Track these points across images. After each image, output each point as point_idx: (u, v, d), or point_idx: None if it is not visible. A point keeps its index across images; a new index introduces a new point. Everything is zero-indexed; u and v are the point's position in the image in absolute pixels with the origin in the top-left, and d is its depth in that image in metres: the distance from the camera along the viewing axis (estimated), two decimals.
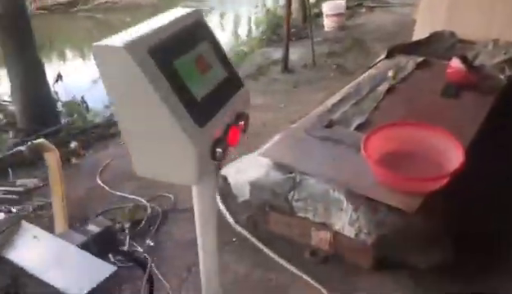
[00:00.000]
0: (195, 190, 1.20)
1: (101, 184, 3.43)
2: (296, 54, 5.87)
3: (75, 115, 4.71)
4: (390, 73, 3.61)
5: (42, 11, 9.80)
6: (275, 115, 4.30)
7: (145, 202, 3.12)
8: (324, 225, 2.45)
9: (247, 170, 2.79)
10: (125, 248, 2.59)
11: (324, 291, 2.31)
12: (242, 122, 1.21)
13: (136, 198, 3.17)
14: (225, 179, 2.98)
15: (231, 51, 7.26)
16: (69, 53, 8.74)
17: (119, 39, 0.99)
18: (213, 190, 1.25)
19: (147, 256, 2.62)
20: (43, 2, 10.25)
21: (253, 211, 2.75)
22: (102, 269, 0.87)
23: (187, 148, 1.02)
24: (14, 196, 3.26)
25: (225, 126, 1.15)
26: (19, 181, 3.46)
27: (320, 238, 2.50)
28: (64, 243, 0.95)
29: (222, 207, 2.91)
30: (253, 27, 8.73)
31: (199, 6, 11.27)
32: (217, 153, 1.11)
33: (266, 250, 2.60)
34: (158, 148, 1.06)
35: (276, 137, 2.98)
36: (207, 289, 1.28)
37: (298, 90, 5.05)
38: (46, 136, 3.88)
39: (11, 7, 3.98)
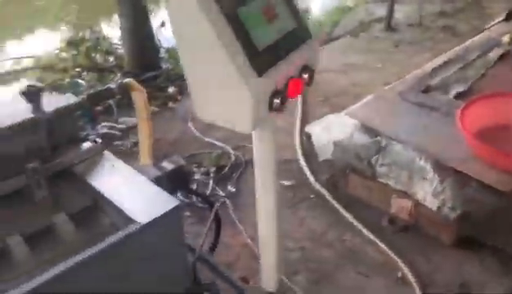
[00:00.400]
0: (254, 139, 1.21)
1: (193, 128, 3.60)
2: (402, 12, 5.48)
3: (175, 62, 4.92)
4: (506, 38, 3.24)
5: None
6: (369, 75, 4.12)
7: (230, 149, 3.22)
8: (405, 194, 2.35)
9: (332, 129, 2.74)
10: (194, 187, 2.74)
11: (399, 261, 2.25)
12: (306, 76, 1.17)
13: (223, 145, 3.29)
14: (309, 136, 2.97)
15: (334, 4, 7.00)
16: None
17: None
18: (271, 140, 1.26)
19: (227, 200, 2.74)
20: None
21: (333, 171, 2.71)
22: (167, 202, 0.92)
23: (244, 96, 1.03)
24: (117, 132, 3.57)
25: (286, 78, 1.12)
26: (121, 119, 3.76)
27: (400, 207, 2.41)
28: (138, 175, 1.03)
29: (303, 163, 2.92)
30: None
31: None
32: (275, 103, 1.09)
33: (343, 211, 2.57)
34: (217, 93, 1.07)
35: (367, 98, 2.87)
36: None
37: (399, 50, 4.75)
38: (147, 80, 4.16)
39: None
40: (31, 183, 1.00)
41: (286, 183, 2.82)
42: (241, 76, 1.01)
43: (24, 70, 5.02)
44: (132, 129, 3.61)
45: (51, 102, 1.08)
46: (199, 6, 0.97)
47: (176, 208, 0.92)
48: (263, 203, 1.39)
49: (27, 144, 1.02)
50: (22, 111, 1.03)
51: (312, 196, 2.73)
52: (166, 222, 0.89)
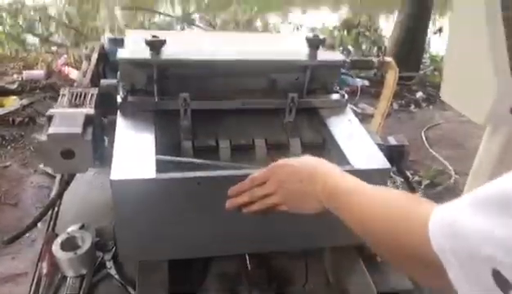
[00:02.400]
0: (485, 134, 1.24)
1: (424, 137, 3.58)
2: None
3: (435, 71, 4.85)
4: None
5: None
6: None
7: (452, 171, 3.11)
8: None
9: None
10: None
11: None
12: None
13: (446, 164, 3.19)
14: None
15: None
16: None
17: None
18: (501, 144, 1.26)
19: None
20: None
21: None
22: (382, 162, 1.07)
23: (491, 89, 1.08)
24: None
25: None
26: (361, 105, 3.98)
27: None
28: (366, 135, 1.20)
29: None
30: None
31: None
32: None
33: None
34: (468, 80, 1.13)
35: None
36: None
37: None
38: (402, 78, 4.24)
39: None
40: (286, 107, 1.27)
41: None
42: (496, 71, 1.07)
43: None
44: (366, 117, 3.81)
45: (323, 54, 1.32)
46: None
47: (387, 170, 1.06)
48: None
49: (295, 79, 1.30)
50: (301, 53, 1.30)
51: None
52: (376, 177, 1.04)
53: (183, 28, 5.40)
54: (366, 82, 4.00)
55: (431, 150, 3.38)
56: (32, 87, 4.25)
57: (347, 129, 1.21)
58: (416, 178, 3.05)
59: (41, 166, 3.15)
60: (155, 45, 1.22)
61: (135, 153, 1.06)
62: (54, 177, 2.91)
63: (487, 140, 1.25)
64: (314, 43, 1.27)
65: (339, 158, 1.11)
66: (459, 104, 1.20)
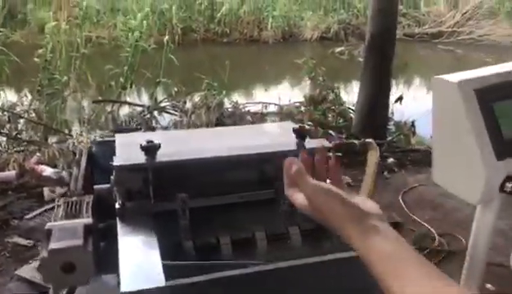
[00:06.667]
0: (477, 211, 1.31)
1: (402, 202, 3.66)
2: None
3: (401, 136, 5.07)
4: None
5: (407, 38, 10.58)
6: None
7: (435, 233, 3.17)
8: None
9: None
10: None
11: None
12: None
13: (428, 227, 3.25)
14: None
15: None
16: (416, 79, 9.22)
17: (454, 76, 1.20)
18: (493, 218, 1.34)
19: None
20: (411, 30, 11.06)
21: None
22: None
23: (480, 173, 1.18)
24: None
25: None
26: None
27: None
28: None
29: None
30: None
31: None
32: (506, 187, 1.20)
33: None
34: (456, 165, 1.23)
35: None
36: None
37: None
38: None
39: (383, 28, 4.57)
40: (278, 197, 1.31)
41: (490, 287, 2.63)
42: (482, 157, 1.18)
43: (268, 114, 5.89)
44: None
45: (309, 143, 1.39)
46: (461, 97, 1.18)
47: None
48: (468, 283, 1.44)
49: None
50: (289, 144, 1.37)
51: None
52: None
53: (154, 117, 5.51)
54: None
55: (411, 214, 3.45)
56: (3, 189, 4.16)
57: None
58: None
59: (17, 272, 3.01)
60: (151, 149, 1.26)
61: (141, 260, 1.06)
62: (35, 285, 2.78)
63: (480, 217, 1.33)
64: (301, 134, 1.34)
65: (340, 242, 1.14)
66: (451, 187, 1.30)
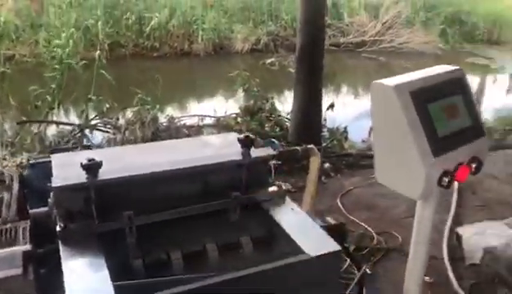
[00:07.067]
0: (418, 206, 1.39)
1: (340, 205, 3.78)
2: None
3: (334, 141, 5.25)
4: None
5: (333, 47, 11.01)
6: None
7: (373, 232, 3.30)
8: None
9: (485, 235, 2.67)
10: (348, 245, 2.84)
11: None
12: (474, 165, 1.34)
13: (367, 227, 3.38)
14: (459, 238, 2.91)
15: (509, 113, 6.74)
16: (344, 87, 9.62)
17: (391, 81, 1.28)
18: (433, 211, 1.45)
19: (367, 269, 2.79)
20: (336, 40, 11.53)
21: (479, 278, 2.61)
22: (331, 245, 1.14)
23: (419, 170, 1.28)
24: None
25: (456, 163, 1.34)
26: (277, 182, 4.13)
27: None
28: (310, 220, 1.27)
29: (447, 263, 2.85)
30: None
31: (487, 64, 10.70)
32: (443, 181, 1.31)
33: None
34: (397, 164, 1.31)
35: None
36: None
37: None
38: None
39: (311, 39, 4.73)
40: (230, 207, 1.31)
41: (427, 279, 2.77)
42: (421, 154, 1.27)
43: (205, 126, 5.86)
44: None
45: (254, 152, 1.41)
46: (398, 100, 1.28)
47: (338, 252, 1.12)
48: (413, 274, 1.53)
49: (233, 178, 1.36)
50: (235, 153, 1.37)
51: None
52: (329, 260, 1.10)
53: (85, 136, 5.29)
54: (279, 161, 4.20)
55: (349, 216, 3.57)
56: None
57: (292, 218, 1.28)
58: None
59: None
60: (92, 168, 1.21)
61: (89, 283, 1.01)
62: None
63: (421, 211, 1.42)
64: (247, 143, 1.35)
65: (292, 248, 1.16)
66: (393, 184, 1.37)
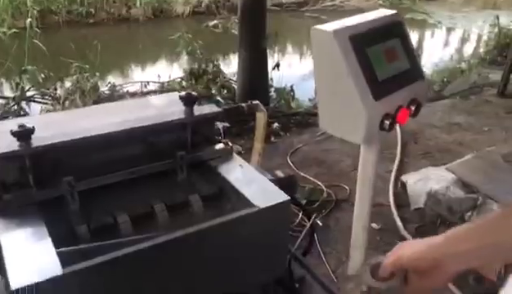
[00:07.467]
0: (361, 151, 1.44)
1: (290, 163, 3.85)
2: None
3: (282, 101, 5.28)
4: None
5: (275, 8, 10.93)
6: (474, 137, 4.08)
7: (323, 186, 3.40)
8: None
9: (428, 180, 2.80)
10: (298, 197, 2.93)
11: None
12: (413, 107, 1.39)
13: (316, 181, 3.47)
14: (404, 185, 3.04)
15: (446, 66, 7.01)
16: (289, 47, 9.62)
17: (330, 26, 1.28)
18: (376, 155, 1.51)
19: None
20: (279, 0, 11.43)
21: (424, 221, 2.76)
22: (280, 196, 1.15)
23: (361, 114, 1.30)
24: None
25: (397, 106, 1.38)
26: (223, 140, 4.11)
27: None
28: (259, 174, 1.27)
29: (394, 209, 2.99)
30: (481, 45, 8.24)
31: (424, 19, 11.03)
32: (385, 124, 1.35)
33: None
34: (339, 110, 1.34)
35: (468, 156, 2.90)
36: (355, 241, 1.51)
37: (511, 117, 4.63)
38: None
39: (254, 2, 4.67)
40: (176, 167, 1.28)
41: (375, 226, 2.90)
42: (362, 98, 1.28)
43: (149, 93, 5.70)
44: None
45: (199, 109, 1.37)
46: (338, 44, 1.28)
47: (287, 201, 1.13)
48: (360, 218, 1.58)
49: (177, 138, 1.32)
50: (178, 112, 1.33)
51: (398, 242, 2.78)
52: (278, 211, 1.11)
53: (21, 108, 5.00)
54: (227, 124, 4.17)
55: (299, 172, 3.65)
56: None
57: (240, 173, 1.27)
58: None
59: None
60: (23, 134, 1.13)
61: (31, 252, 0.96)
62: None
63: (364, 156, 1.45)
64: (189, 101, 1.31)
65: (242, 202, 1.15)
66: (336, 130, 1.39)
